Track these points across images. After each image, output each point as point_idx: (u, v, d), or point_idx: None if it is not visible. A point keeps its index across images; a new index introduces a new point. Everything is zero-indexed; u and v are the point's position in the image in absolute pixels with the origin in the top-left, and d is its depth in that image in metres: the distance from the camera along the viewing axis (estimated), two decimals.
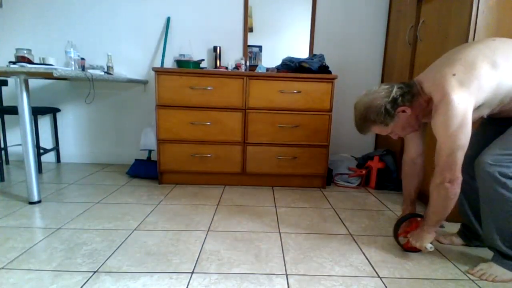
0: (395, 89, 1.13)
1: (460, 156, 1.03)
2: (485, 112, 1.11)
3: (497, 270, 1.12)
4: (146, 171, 2.27)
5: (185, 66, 2.12)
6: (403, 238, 1.31)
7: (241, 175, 2.16)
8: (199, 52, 2.53)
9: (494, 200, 1.09)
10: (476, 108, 1.06)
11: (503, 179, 1.05)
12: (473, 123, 1.05)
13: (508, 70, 1.02)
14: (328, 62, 2.25)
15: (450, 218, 1.63)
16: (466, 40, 1.50)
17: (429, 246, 1.19)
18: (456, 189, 1.07)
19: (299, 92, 2.04)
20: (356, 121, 1.20)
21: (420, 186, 1.36)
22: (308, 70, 2.07)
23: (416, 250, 1.27)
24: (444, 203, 1.10)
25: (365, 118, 1.16)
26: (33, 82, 2.54)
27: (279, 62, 2.25)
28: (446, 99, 1.01)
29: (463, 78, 1.02)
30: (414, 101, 1.12)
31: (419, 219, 1.30)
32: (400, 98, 1.11)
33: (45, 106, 2.51)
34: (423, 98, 1.12)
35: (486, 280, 1.11)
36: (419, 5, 1.99)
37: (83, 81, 2.44)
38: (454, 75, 1.03)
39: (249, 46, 2.53)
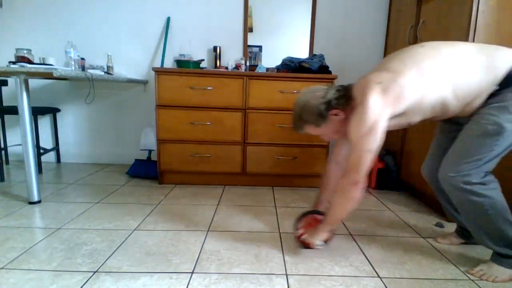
0: (332, 92, 1.14)
1: (367, 160, 1.05)
2: (415, 119, 1.12)
3: (497, 270, 1.12)
4: (146, 171, 2.27)
5: (185, 66, 2.12)
6: (297, 232, 1.31)
7: (241, 175, 2.16)
8: (199, 52, 2.53)
9: (469, 208, 1.11)
10: (399, 116, 1.07)
11: (469, 187, 1.06)
12: (405, 128, 1.08)
13: (436, 78, 1.03)
14: (328, 62, 2.25)
15: (450, 218, 1.63)
16: (466, 40, 1.49)
17: (318, 243, 1.21)
18: (357, 193, 1.08)
19: (299, 92, 2.04)
20: (292, 118, 1.22)
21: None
22: (308, 70, 2.07)
23: (307, 246, 1.29)
24: (343, 204, 1.12)
25: (299, 117, 1.18)
26: (33, 82, 2.53)
27: (279, 62, 2.25)
28: (362, 103, 1.05)
29: (387, 86, 1.04)
30: (348, 105, 1.13)
31: (320, 217, 1.31)
32: (335, 101, 1.13)
33: (45, 106, 2.51)
34: (354, 103, 1.12)
35: (486, 280, 1.11)
36: (419, 5, 1.99)
37: (83, 81, 2.44)
38: (379, 83, 1.05)
39: (249, 46, 2.53)
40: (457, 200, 1.12)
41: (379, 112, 1.02)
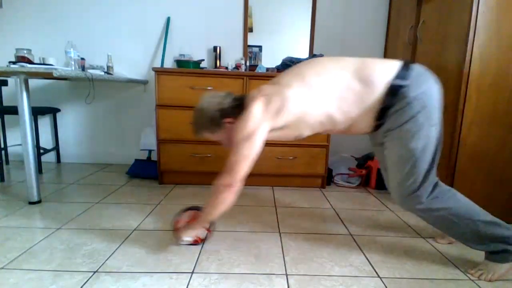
0: (228, 100, 1.17)
1: (242, 166, 1.08)
2: (305, 133, 1.14)
3: (493, 267, 1.12)
4: (146, 171, 2.27)
5: (185, 66, 2.12)
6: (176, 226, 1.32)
7: None
8: (199, 52, 2.53)
9: (437, 223, 1.14)
10: (283, 128, 1.10)
11: (423, 206, 1.09)
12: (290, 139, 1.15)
13: (321, 93, 1.05)
14: None
15: None
16: (466, 40, 1.49)
17: (185, 238, 1.23)
18: (228, 196, 1.10)
19: None
20: (191, 123, 1.25)
21: None
22: None
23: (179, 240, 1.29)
24: (215, 204, 1.13)
25: (196, 122, 1.21)
26: (33, 82, 2.54)
27: (279, 62, 2.25)
28: (246, 111, 1.10)
29: (271, 98, 1.08)
30: (238, 114, 1.15)
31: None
32: (229, 110, 1.16)
33: (45, 106, 2.51)
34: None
35: (484, 280, 1.12)
36: (419, 5, 1.99)
37: (83, 81, 2.44)
38: (265, 95, 1.10)
39: (249, 46, 2.53)
40: (423, 219, 1.15)
41: (259, 121, 1.07)
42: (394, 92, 1.02)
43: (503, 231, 1.08)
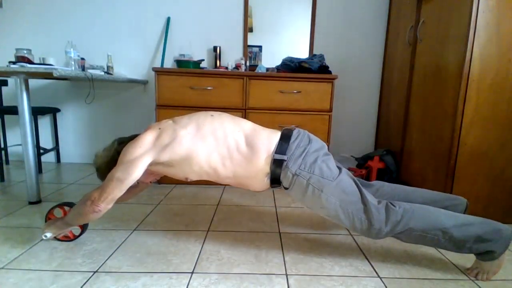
0: (115, 146, 1.20)
1: (114, 188, 1.07)
2: (190, 176, 1.18)
3: (485, 265, 1.12)
4: None
5: (185, 66, 2.12)
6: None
7: None
8: (199, 52, 2.53)
9: (414, 242, 1.13)
10: (170, 165, 1.13)
11: (385, 234, 1.08)
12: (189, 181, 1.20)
13: (208, 143, 1.10)
14: (328, 62, 2.26)
15: None
16: (466, 40, 1.49)
17: (47, 234, 1.19)
18: (91, 213, 1.09)
19: (299, 92, 2.04)
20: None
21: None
22: (308, 70, 2.07)
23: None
24: (78, 214, 1.13)
25: (99, 176, 1.22)
26: (33, 82, 2.54)
27: (279, 62, 2.25)
28: (137, 137, 1.14)
29: (163, 133, 1.12)
30: None
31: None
32: (118, 149, 1.17)
33: (45, 106, 2.51)
34: None
35: (481, 280, 1.12)
36: (419, 5, 1.99)
37: (83, 81, 2.44)
38: (159, 128, 1.15)
39: (249, 46, 2.53)
40: (400, 240, 1.14)
41: (144, 151, 1.09)
42: (277, 165, 1.10)
43: (477, 229, 1.05)
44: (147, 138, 1.12)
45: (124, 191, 1.09)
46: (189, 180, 1.20)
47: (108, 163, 1.18)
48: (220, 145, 1.11)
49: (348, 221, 1.10)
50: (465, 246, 1.08)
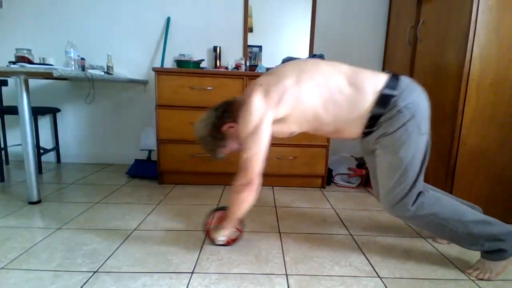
0: (212, 114, 1.19)
1: (255, 161, 1.08)
2: (294, 129, 1.15)
3: (489, 265, 1.12)
4: (146, 171, 2.27)
5: (185, 66, 2.11)
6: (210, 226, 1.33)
7: None
8: (199, 52, 2.53)
9: (427, 228, 1.15)
10: (280, 122, 1.10)
11: (411, 213, 1.09)
12: (285, 138, 1.14)
13: (309, 90, 1.06)
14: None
15: None
16: (466, 40, 1.49)
17: (220, 239, 1.25)
18: (249, 194, 1.12)
19: None
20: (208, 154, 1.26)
21: None
22: None
23: (212, 241, 1.31)
24: (237, 203, 1.15)
25: (206, 148, 1.23)
26: (33, 82, 2.53)
27: (279, 62, 2.24)
28: (246, 105, 1.08)
29: (268, 88, 1.07)
30: (236, 115, 1.16)
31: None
32: (218, 120, 1.17)
33: (45, 106, 2.51)
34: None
35: (482, 279, 1.12)
36: (419, 5, 1.99)
37: (83, 81, 2.44)
38: (260, 85, 1.09)
39: (249, 46, 2.53)
40: (414, 225, 1.17)
41: (262, 112, 1.06)
42: (384, 101, 1.05)
43: (494, 228, 1.08)
44: (257, 100, 1.06)
45: (264, 160, 1.09)
46: (291, 136, 1.18)
47: (211, 130, 1.18)
48: (322, 89, 1.06)
49: (395, 182, 1.08)
50: (478, 242, 1.10)
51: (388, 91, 1.05)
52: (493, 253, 1.11)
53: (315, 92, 1.06)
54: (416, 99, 1.06)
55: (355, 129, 1.11)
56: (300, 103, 1.07)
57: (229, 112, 1.17)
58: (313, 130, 1.16)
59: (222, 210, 1.33)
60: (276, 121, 1.10)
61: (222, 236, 1.27)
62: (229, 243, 1.31)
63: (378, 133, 1.09)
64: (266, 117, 1.06)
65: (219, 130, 1.17)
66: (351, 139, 1.20)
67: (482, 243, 1.10)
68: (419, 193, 1.10)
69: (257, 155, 1.07)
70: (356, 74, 1.08)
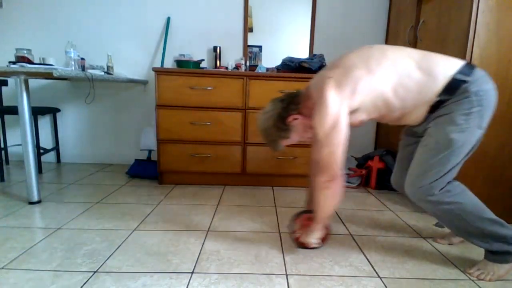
0: (278, 105, 1.19)
1: (338, 154, 1.08)
2: (363, 117, 1.14)
3: (492, 267, 1.12)
4: (146, 171, 2.27)
5: (185, 66, 2.11)
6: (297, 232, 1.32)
7: (241, 175, 2.16)
8: (199, 52, 2.53)
9: (443, 216, 1.13)
10: (353, 112, 1.09)
11: (434, 198, 1.09)
12: (355, 127, 1.11)
13: (380, 76, 1.05)
14: (328, 62, 2.25)
15: None
16: (466, 40, 1.49)
17: (314, 242, 1.23)
18: (337, 188, 1.11)
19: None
20: (265, 143, 1.26)
21: None
22: (308, 70, 2.07)
23: (305, 246, 1.30)
24: (326, 201, 1.14)
25: (268, 139, 1.23)
26: (33, 82, 2.53)
27: (279, 62, 2.25)
28: (320, 100, 1.07)
29: (339, 80, 1.07)
30: (302, 106, 1.17)
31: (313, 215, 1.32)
32: (284, 111, 1.17)
33: (45, 106, 2.51)
34: (311, 101, 1.15)
35: (484, 280, 1.12)
36: (419, 5, 1.99)
37: (83, 81, 2.44)
38: (330, 77, 1.08)
39: (249, 46, 2.53)
40: (429, 211, 1.15)
41: (339, 105, 1.05)
42: (454, 86, 1.02)
43: (505, 231, 1.08)
44: (332, 94, 1.05)
45: (344, 152, 1.09)
46: (361, 125, 1.18)
47: (276, 121, 1.17)
48: (391, 75, 1.05)
49: (435, 162, 1.07)
50: (487, 241, 1.10)
51: (461, 76, 1.02)
52: (498, 255, 1.11)
53: (385, 78, 1.05)
54: (488, 91, 1.03)
55: (421, 114, 1.09)
56: (372, 91, 1.06)
57: (294, 104, 1.17)
58: (380, 117, 1.15)
59: (305, 214, 1.33)
60: (351, 112, 1.09)
61: (315, 238, 1.25)
62: (321, 243, 1.30)
63: (438, 113, 1.07)
64: (343, 109, 1.05)
65: (284, 122, 1.17)
66: (410, 124, 1.19)
67: (491, 242, 1.10)
68: (448, 182, 1.09)
69: (339, 148, 1.07)
70: (426, 58, 1.07)
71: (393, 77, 1.05)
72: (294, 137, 1.22)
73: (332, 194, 1.12)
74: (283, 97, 1.21)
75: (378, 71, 1.06)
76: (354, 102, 1.07)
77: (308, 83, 1.24)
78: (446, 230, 1.53)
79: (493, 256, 1.13)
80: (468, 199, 1.10)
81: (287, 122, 1.18)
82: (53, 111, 2.49)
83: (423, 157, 1.11)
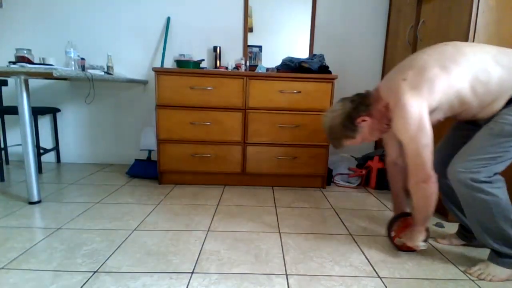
0: (348, 105, 1.18)
1: (428, 155, 1.07)
2: (440, 116, 1.13)
3: (495, 269, 1.12)
4: (146, 171, 2.27)
5: (185, 66, 2.11)
6: (399, 240, 1.31)
7: (241, 175, 2.16)
8: (199, 52, 2.53)
9: (473, 205, 1.11)
10: (432, 112, 1.08)
11: (476, 184, 1.07)
12: (433, 126, 1.08)
13: (457, 74, 1.04)
14: (328, 62, 2.25)
15: (450, 218, 1.63)
16: (466, 40, 1.49)
17: (421, 244, 1.20)
18: (432, 188, 1.10)
19: (299, 92, 2.04)
20: (328, 140, 1.24)
21: (406, 185, 1.37)
22: (308, 70, 2.07)
23: (412, 249, 1.28)
24: (424, 202, 1.13)
25: (333, 138, 1.23)
26: (33, 82, 2.53)
27: (279, 62, 2.25)
28: (399, 104, 1.07)
29: (414, 82, 1.06)
30: (371, 108, 1.17)
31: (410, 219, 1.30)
32: (354, 111, 1.17)
33: (45, 106, 2.51)
34: (381, 104, 1.16)
35: (484, 280, 1.12)
36: (419, 5, 1.99)
37: (83, 81, 2.44)
38: (404, 80, 1.08)
39: (249, 46, 2.53)
40: (462, 196, 1.12)
41: (419, 108, 1.04)
42: None
43: None
44: (410, 96, 1.05)
45: (433, 151, 1.08)
46: (437, 124, 1.16)
47: (344, 120, 1.17)
48: (468, 72, 1.04)
49: (493, 146, 1.05)
50: (499, 243, 1.10)
51: None
52: (503, 257, 1.11)
53: (462, 76, 1.04)
54: None
55: (497, 108, 1.07)
56: (450, 88, 1.05)
57: (364, 105, 1.17)
58: (456, 114, 1.14)
59: (401, 218, 1.32)
60: (429, 113, 1.08)
61: (421, 241, 1.21)
62: (426, 245, 1.27)
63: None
64: (424, 110, 1.04)
65: (352, 122, 1.17)
66: (480, 120, 1.16)
67: (501, 245, 1.10)
68: (496, 173, 1.08)
69: (426, 149, 1.06)
70: (504, 53, 1.06)
71: (470, 73, 1.04)
72: (359, 138, 1.22)
73: (427, 195, 1.11)
74: (353, 97, 1.20)
75: (454, 68, 1.04)
76: (433, 101, 1.06)
77: (379, 84, 1.23)
78: (447, 230, 1.53)
79: (498, 258, 1.12)
80: (505, 196, 1.08)
81: (356, 123, 1.17)
82: (53, 111, 2.49)
83: (482, 140, 1.09)
